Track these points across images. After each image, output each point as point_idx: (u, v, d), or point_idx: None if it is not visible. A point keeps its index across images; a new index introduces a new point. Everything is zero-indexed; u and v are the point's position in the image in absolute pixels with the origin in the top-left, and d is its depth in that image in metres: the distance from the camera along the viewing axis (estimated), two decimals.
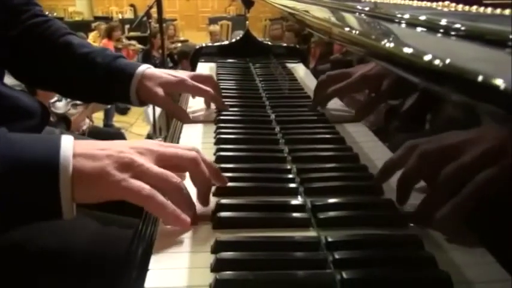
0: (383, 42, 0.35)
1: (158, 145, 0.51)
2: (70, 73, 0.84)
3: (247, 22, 1.56)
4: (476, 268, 0.40)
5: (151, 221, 0.51)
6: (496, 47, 0.29)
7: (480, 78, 0.22)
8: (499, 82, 0.21)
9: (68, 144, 0.47)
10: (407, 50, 0.30)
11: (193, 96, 0.92)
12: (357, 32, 0.43)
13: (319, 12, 0.58)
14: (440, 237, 0.44)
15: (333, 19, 0.52)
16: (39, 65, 0.84)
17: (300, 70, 1.21)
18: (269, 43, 1.43)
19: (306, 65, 1.25)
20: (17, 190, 0.45)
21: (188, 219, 0.47)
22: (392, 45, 0.34)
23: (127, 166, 0.46)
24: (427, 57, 0.27)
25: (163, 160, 0.49)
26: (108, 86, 0.82)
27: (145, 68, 0.82)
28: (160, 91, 0.80)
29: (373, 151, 0.67)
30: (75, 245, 0.63)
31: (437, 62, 0.26)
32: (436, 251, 0.42)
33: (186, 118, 0.82)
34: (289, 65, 1.25)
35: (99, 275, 0.61)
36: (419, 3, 0.54)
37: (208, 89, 0.83)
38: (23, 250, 0.61)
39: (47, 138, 0.48)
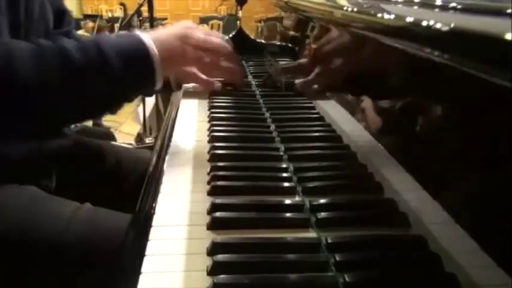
0: (385, 16, 0.33)
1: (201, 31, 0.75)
2: None
3: (238, 21, 1.54)
4: (483, 271, 0.39)
5: (145, 214, 0.49)
6: (496, 16, 0.27)
7: (490, 36, 0.20)
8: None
9: (146, 37, 0.65)
10: (410, 19, 0.29)
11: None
12: (356, 9, 0.42)
13: None
14: (445, 238, 0.43)
15: (332, 3, 0.51)
16: None
17: None
18: (262, 41, 1.41)
19: None
20: (126, 68, 0.61)
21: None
22: (393, 17, 0.33)
23: (191, 44, 0.71)
24: (433, 23, 0.26)
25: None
26: None
27: None
28: (196, 71, 0.91)
29: (370, 149, 0.66)
30: (68, 239, 0.63)
31: (445, 27, 0.25)
32: (442, 252, 0.41)
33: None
34: (282, 64, 1.23)
35: (91, 270, 0.61)
36: None
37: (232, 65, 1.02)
38: (16, 243, 0.61)
39: (131, 35, 0.66)
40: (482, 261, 0.40)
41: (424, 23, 0.28)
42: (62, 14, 0.90)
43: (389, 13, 0.34)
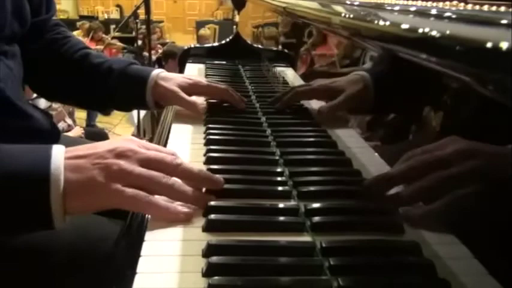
0: (382, 23, 0.34)
1: (141, 146, 0.50)
2: (88, 83, 0.85)
3: (234, 26, 1.55)
4: (475, 278, 0.39)
5: (138, 221, 0.49)
6: (488, 26, 0.28)
7: (487, 44, 0.21)
8: (505, 45, 0.20)
9: (59, 155, 0.45)
10: (407, 27, 0.29)
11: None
12: (352, 16, 0.43)
13: (314, 5, 0.58)
14: (439, 244, 0.43)
15: (330, 10, 0.52)
16: (56, 79, 0.86)
17: (288, 74, 1.20)
18: (259, 46, 1.42)
19: (294, 69, 1.24)
20: (7, 201, 0.43)
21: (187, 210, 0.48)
22: (387, 23, 0.33)
23: (117, 175, 0.46)
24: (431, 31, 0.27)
25: (146, 163, 0.48)
26: (125, 90, 0.83)
27: (160, 72, 0.83)
28: (177, 90, 0.80)
29: (364, 156, 0.66)
30: (60, 244, 0.62)
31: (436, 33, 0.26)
32: (436, 259, 0.41)
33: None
34: (278, 69, 1.24)
35: (83, 275, 0.60)
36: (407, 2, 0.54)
37: (224, 87, 0.84)
38: (2, 249, 0.60)
39: (38, 148, 0.47)
40: (475, 269, 0.41)
41: (420, 30, 0.29)
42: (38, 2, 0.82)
43: (384, 20, 0.34)
